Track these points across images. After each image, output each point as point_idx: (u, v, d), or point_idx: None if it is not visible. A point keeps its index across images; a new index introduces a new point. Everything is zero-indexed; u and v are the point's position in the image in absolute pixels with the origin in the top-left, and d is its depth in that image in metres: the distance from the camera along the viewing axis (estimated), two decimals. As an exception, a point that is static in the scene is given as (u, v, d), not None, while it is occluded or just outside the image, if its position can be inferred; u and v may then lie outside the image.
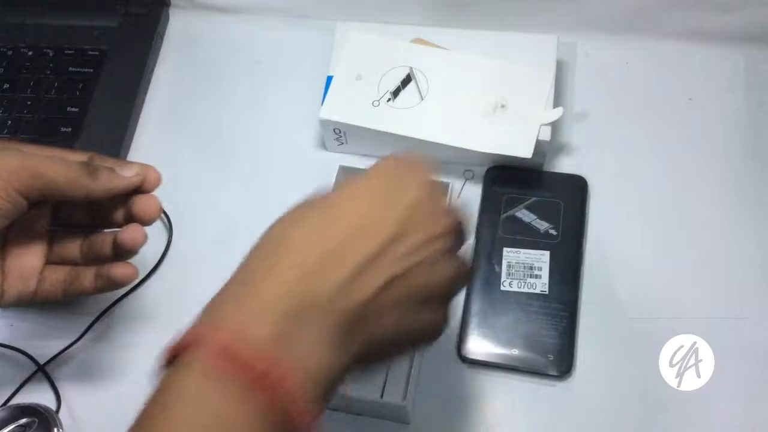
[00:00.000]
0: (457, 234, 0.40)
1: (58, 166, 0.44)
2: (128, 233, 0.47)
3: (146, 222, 0.48)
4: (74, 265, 0.50)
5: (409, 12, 0.70)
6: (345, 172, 0.61)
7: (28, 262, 0.48)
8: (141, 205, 0.48)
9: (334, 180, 0.60)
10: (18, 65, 0.72)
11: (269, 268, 0.35)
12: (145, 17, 0.74)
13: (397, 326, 0.37)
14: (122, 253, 0.48)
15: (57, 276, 0.49)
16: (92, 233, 0.50)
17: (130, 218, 0.48)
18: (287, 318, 0.33)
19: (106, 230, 0.50)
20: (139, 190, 0.48)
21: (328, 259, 0.35)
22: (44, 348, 0.59)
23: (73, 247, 0.50)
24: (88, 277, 0.49)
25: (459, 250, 0.41)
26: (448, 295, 0.40)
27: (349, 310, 0.34)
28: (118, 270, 0.48)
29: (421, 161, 0.40)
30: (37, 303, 0.49)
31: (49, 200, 0.47)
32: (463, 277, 0.41)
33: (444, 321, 0.40)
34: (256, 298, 0.34)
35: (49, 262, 0.50)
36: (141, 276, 0.62)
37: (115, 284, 0.48)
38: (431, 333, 0.40)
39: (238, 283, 0.35)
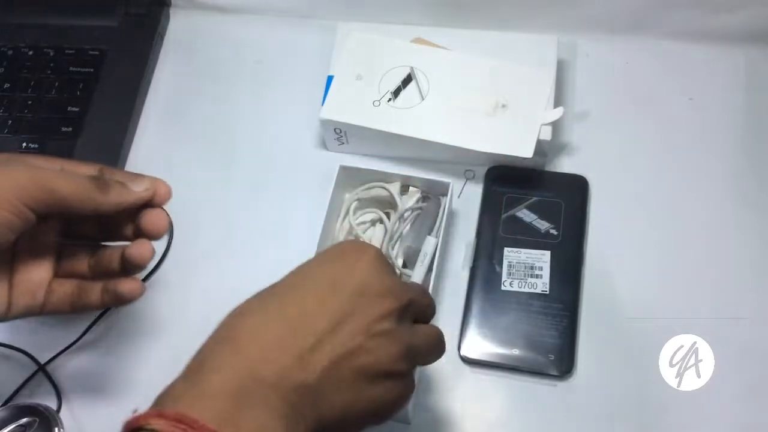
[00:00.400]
0: (414, 308, 0.42)
1: (67, 181, 0.44)
2: (136, 248, 0.47)
3: (154, 237, 0.48)
4: (82, 279, 0.49)
5: (410, 12, 0.70)
6: (345, 172, 0.61)
7: (36, 276, 0.48)
8: (149, 219, 0.47)
9: (334, 180, 0.60)
10: (18, 65, 0.72)
11: (218, 356, 0.37)
12: (146, 17, 0.74)
13: (350, 403, 0.38)
14: (129, 268, 0.48)
15: (64, 289, 0.49)
16: (100, 247, 0.50)
17: (139, 232, 0.48)
18: (233, 398, 0.35)
19: (114, 244, 0.50)
20: (148, 203, 0.48)
21: (274, 345, 0.37)
22: (45, 348, 0.59)
23: (81, 261, 0.49)
24: (95, 291, 0.48)
25: (425, 320, 0.44)
26: (402, 371, 0.40)
27: (296, 389, 0.36)
28: (125, 285, 0.47)
29: (370, 244, 0.43)
30: (44, 315, 0.49)
31: (57, 214, 0.46)
32: (434, 348, 0.43)
33: (404, 393, 0.41)
34: (205, 382, 0.35)
35: (57, 275, 0.49)
36: (142, 276, 0.62)
37: (121, 300, 0.48)
38: (390, 406, 0.41)
39: (191, 370, 0.37)
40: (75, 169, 0.46)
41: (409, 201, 0.61)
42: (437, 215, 0.60)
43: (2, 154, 0.45)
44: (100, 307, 0.49)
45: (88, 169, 0.47)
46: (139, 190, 0.46)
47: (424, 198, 0.62)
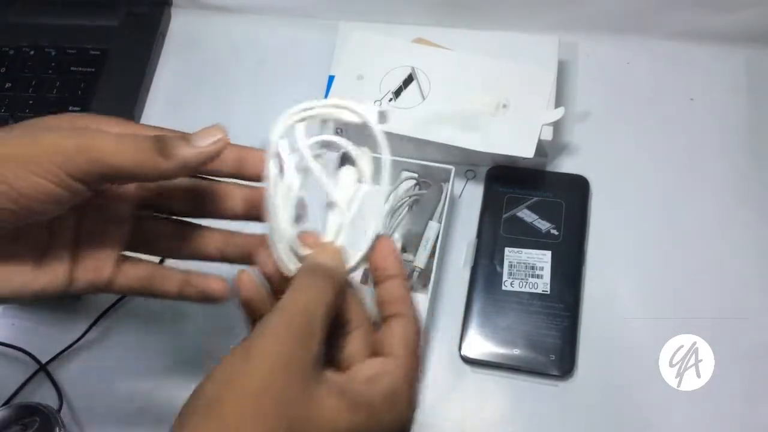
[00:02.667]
0: None
1: (120, 146, 0.36)
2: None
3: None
4: (167, 257, 0.44)
5: (411, 12, 0.70)
6: (348, 161, 0.60)
7: (101, 251, 0.42)
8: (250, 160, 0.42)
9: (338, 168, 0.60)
10: (20, 65, 0.72)
11: None
12: (147, 17, 0.74)
13: None
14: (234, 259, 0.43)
15: (137, 271, 0.43)
16: (194, 226, 0.44)
17: (237, 207, 0.43)
18: None
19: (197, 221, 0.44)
20: (238, 176, 0.42)
21: None
22: (46, 347, 0.59)
23: (165, 239, 0.43)
24: (173, 281, 0.43)
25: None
26: None
27: None
28: (213, 284, 0.42)
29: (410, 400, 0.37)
30: (113, 293, 0.44)
31: (118, 183, 0.40)
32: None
33: None
34: None
35: (137, 250, 0.43)
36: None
37: (207, 299, 0.42)
38: None
39: None
40: (136, 130, 0.39)
41: (404, 188, 0.61)
42: (438, 201, 0.60)
43: (47, 118, 0.39)
44: (175, 298, 0.43)
45: (151, 131, 0.40)
46: (204, 144, 0.38)
47: (421, 185, 0.62)
